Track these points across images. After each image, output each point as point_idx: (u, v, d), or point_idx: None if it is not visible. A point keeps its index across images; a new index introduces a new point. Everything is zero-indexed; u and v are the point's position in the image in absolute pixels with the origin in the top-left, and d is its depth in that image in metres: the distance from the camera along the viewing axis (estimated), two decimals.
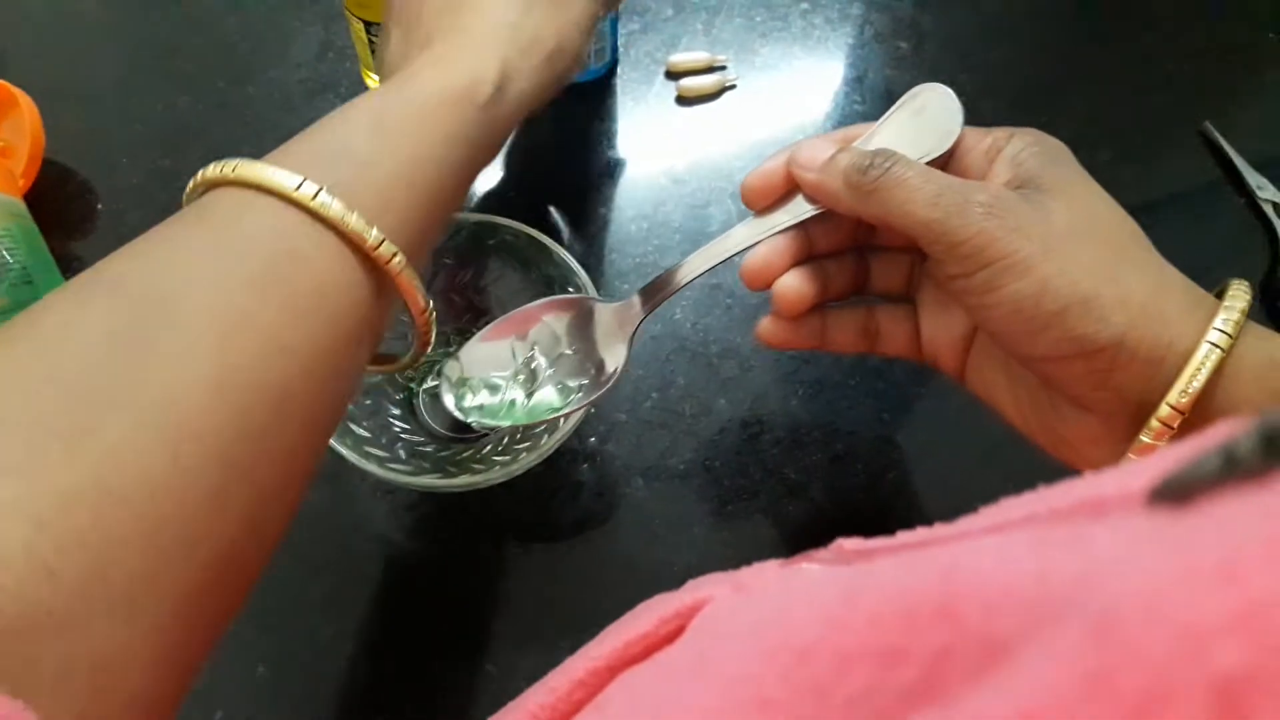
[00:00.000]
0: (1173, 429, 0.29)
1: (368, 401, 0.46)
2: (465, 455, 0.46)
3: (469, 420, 0.42)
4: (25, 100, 0.52)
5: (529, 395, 0.41)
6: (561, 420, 0.43)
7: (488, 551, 0.46)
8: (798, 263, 0.37)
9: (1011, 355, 0.34)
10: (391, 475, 0.41)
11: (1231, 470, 0.14)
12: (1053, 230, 0.31)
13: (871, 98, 0.60)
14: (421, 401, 0.48)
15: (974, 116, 0.36)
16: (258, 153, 0.29)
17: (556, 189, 0.56)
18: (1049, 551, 0.16)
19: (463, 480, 0.42)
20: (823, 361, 0.51)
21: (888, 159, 0.33)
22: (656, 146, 0.57)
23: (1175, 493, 0.14)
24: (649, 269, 0.53)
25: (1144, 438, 0.30)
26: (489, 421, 0.41)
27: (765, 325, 0.39)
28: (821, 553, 0.28)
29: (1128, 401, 0.31)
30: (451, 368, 0.42)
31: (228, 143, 0.56)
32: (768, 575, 0.28)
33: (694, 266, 0.38)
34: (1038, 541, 0.17)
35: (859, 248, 0.39)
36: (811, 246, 0.37)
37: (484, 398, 0.42)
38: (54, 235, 0.50)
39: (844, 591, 0.21)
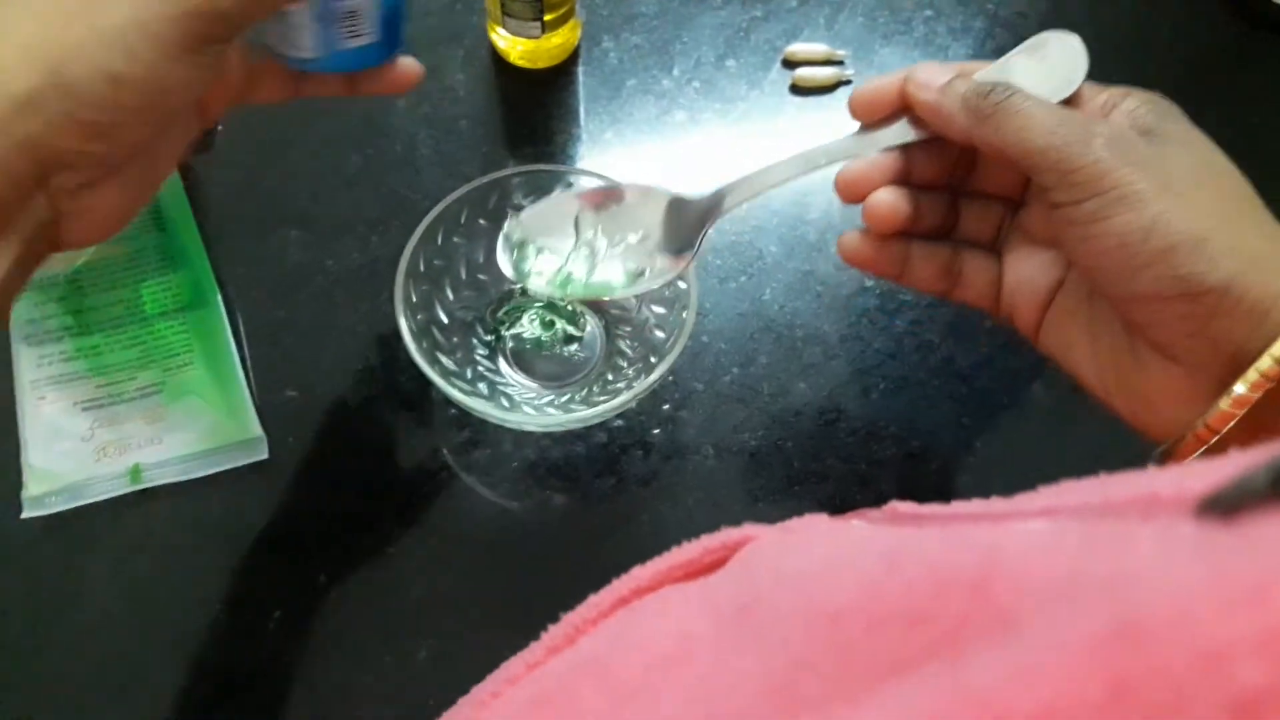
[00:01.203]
0: (1272, 382, 0.28)
1: (455, 339, 0.47)
2: (545, 401, 0.47)
3: (525, 283, 0.40)
4: None
5: (589, 272, 0.40)
6: (642, 376, 0.44)
7: (551, 497, 0.46)
8: (893, 184, 0.36)
9: (1105, 293, 0.33)
10: (475, 404, 0.41)
11: (1278, 488, 0.14)
12: (1170, 170, 0.31)
13: None
14: (507, 346, 0.49)
15: None
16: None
17: (662, 165, 0.56)
18: (1091, 545, 0.17)
19: (545, 420, 0.43)
20: (907, 359, 0.50)
21: (1008, 88, 0.33)
22: (766, 131, 0.57)
23: (1223, 506, 0.15)
24: (744, 248, 0.53)
25: (1239, 388, 0.29)
26: (545, 289, 0.40)
27: (849, 238, 0.37)
28: (873, 512, 0.28)
29: (1221, 352, 0.30)
30: (513, 227, 0.41)
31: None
32: (817, 527, 0.28)
33: (784, 171, 0.37)
34: (1083, 534, 0.18)
35: (952, 191, 0.38)
36: (909, 174, 0.37)
37: (543, 264, 0.41)
38: None
39: (887, 556, 0.21)
